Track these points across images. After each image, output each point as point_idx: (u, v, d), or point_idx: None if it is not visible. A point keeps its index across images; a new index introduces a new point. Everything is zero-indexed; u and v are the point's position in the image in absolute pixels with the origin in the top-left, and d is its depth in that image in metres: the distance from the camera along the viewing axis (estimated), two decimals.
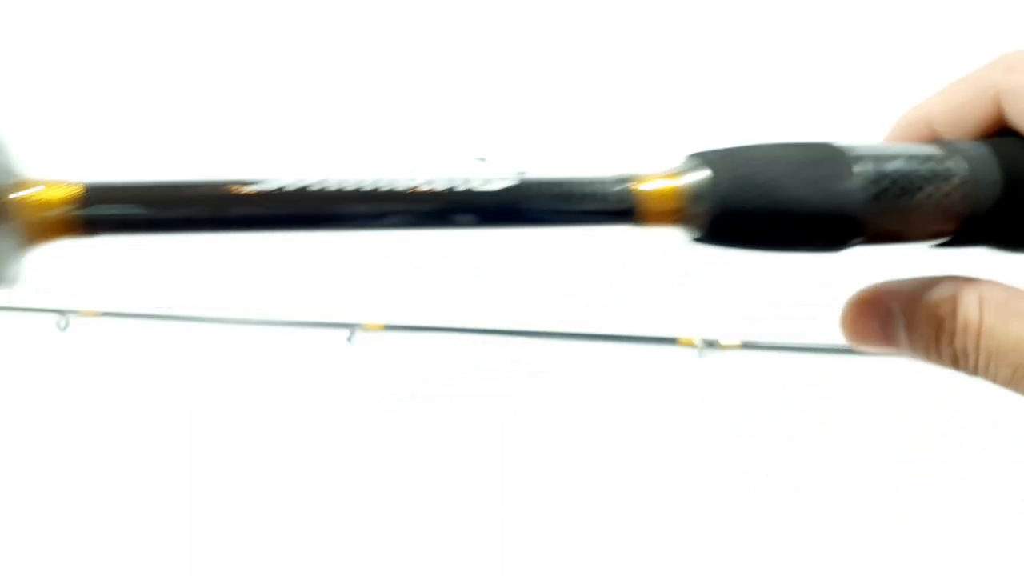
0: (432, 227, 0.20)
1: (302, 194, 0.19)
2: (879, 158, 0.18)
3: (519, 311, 0.55)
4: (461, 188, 0.19)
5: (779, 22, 0.61)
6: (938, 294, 0.21)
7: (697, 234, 0.19)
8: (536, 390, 0.56)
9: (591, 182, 0.20)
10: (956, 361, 0.21)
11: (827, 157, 0.19)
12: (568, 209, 0.20)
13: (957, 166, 0.18)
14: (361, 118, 0.64)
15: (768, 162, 0.19)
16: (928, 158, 0.19)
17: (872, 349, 0.22)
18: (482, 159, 0.67)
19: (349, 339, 0.56)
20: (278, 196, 0.19)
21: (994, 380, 0.21)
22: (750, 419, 0.52)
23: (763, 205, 0.18)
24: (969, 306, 0.20)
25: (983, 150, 0.19)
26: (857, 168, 0.18)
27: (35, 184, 0.19)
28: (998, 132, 0.20)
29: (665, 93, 0.63)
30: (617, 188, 0.19)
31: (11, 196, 0.19)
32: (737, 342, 0.54)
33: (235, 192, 0.19)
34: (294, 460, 0.55)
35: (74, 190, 0.19)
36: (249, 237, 0.20)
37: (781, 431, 0.51)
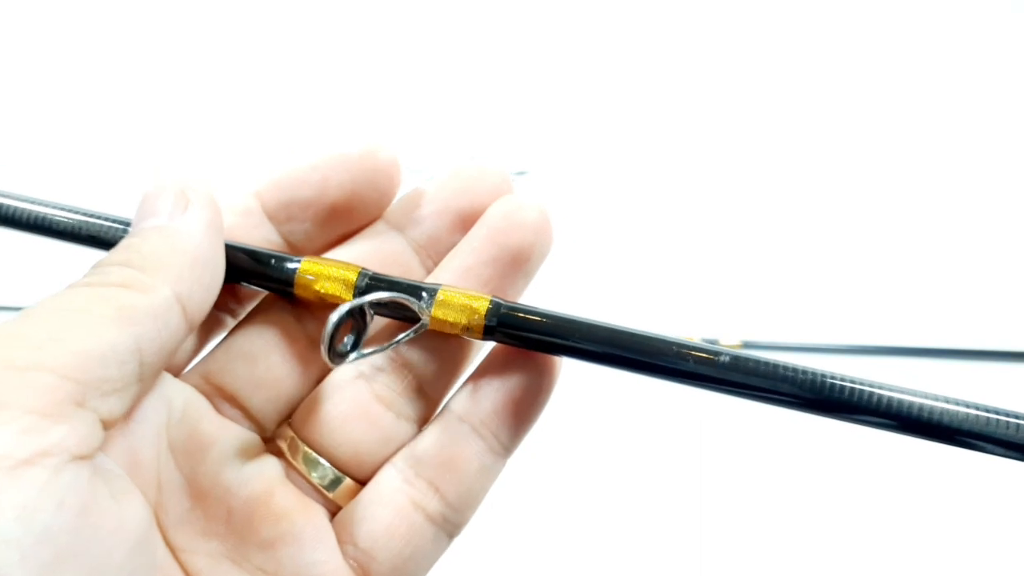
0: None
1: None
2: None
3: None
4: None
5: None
6: None
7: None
8: None
9: None
10: None
11: None
12: None
13: None
14: (358, 116, 0.63)
15: None
16: None
17: None
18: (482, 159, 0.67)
19: None
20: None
21: None
22: (750, 419, 0.52)
23: None
24: None
25: None
26: None
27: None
28: None
29: (667, 91, 0.63)
30: None
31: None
32: (737, 342, 0.54)
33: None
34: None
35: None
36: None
37: (781, 431, 0.51)
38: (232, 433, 0.20)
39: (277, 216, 0.22)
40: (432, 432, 0.21)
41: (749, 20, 0.63)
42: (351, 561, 0.20)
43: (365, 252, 0.22)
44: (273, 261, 0.21)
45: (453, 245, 0.22)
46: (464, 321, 0.20)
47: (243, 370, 0.21)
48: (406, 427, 0.21)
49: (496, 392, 0.21)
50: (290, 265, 0.21)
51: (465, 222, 0.22)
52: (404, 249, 0.22)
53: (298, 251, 0.22)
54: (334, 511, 0.21)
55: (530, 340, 0.20)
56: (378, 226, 0.22)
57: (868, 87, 0.59)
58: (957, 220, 0.55)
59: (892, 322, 0.52)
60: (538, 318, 0.20)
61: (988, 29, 0.60)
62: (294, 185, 0.21)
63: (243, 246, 0.21)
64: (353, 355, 0.20)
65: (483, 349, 0.22)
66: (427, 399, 0.22)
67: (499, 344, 0.21)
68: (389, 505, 0.20)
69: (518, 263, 0.21)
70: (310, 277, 0.20)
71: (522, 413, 0.21)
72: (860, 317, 0.53)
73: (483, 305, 0.20)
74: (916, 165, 0.57)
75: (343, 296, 0.20)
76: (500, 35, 0.65)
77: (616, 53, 0.64)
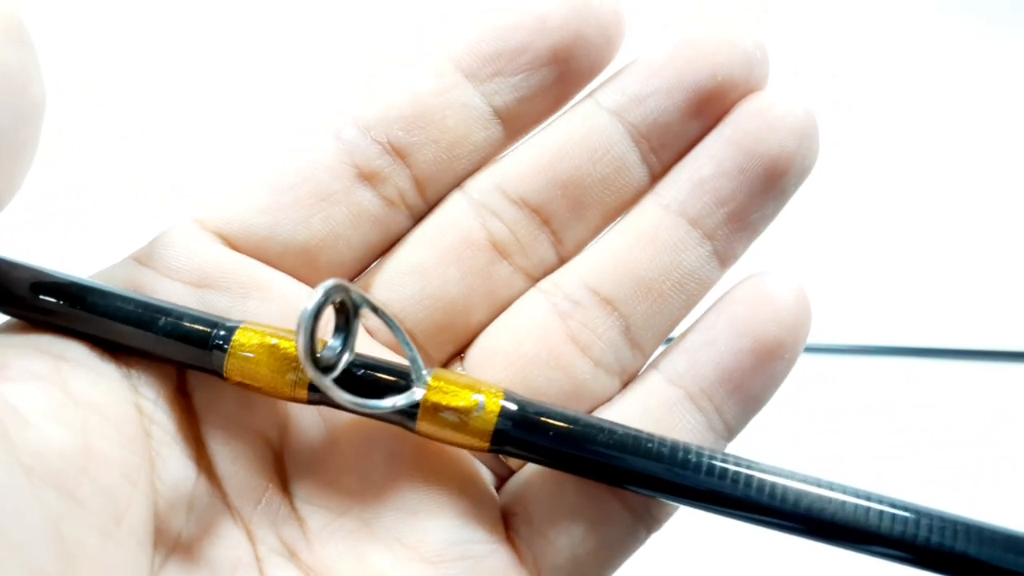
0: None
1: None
2: None
3: None
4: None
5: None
6: None
7: None
8: None
9: None
10: None
11: None
12: None
13: None
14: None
15: None
16: None
17: None
18: None
19: None
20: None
21: None
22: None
23: None
24: None
25: None
26: None
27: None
28: None
29: None
30: None
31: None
32: None
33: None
34: None
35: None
36: None
37: (781, 432, 0.51)
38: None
39: (480, 73, 0.16)
40: (635, 395, 0.17)
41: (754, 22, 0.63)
42: (519, 545, 0.16)
43: (568, 139, 0.17)
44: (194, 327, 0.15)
45: (685, 136, 0.17)
46: (459, 438, 0.15)
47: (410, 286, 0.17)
48: (605, 381, 0.17)
49: (722, 352, 0.16)
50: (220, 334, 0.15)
51: (703, 105, 0.16)
52: (620, 138, 0.17)
53: (508, 120, 0.17)
54: (504, 477, 0.17)
55: (562, 458, 0.15)
56: (585, 104, 0.17)
57: (866, 88, 0.59)
58: (957, 220, 0.55)
59: (892, 322, 0.52)
60: (569, 425, 0.14)
61: (982, 38, 0.60)
62: (503, 30, 0.16)
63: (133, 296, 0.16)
64: (344, 361, 0.15)
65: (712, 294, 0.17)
66: (637, 347, 0.17)
67: (734, 293, 0.16)
68: (578, 479, 0.15)
69: (771, 179, 0.16)
70: (248, 355, 0.15)
71: (753, 385, 0.17)
72: (860, 317, 0.53)
73: (493, 405, 0.14)
74: (916, 163, 0.57)
75: (283, 392, 0.15)
76: None
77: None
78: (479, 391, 0.15)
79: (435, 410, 0.14)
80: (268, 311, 0.16)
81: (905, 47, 0.60)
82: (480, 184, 0.17)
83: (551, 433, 0.14)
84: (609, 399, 0.17)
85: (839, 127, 0.61)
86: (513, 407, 0.15)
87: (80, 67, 0.57)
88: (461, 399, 0.14)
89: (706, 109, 0.16)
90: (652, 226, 0.16)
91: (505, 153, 0.18)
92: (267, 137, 0.59)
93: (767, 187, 0.16)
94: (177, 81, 0.57)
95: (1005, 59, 0.59)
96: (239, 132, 0.58)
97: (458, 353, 0.17)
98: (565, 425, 0.14)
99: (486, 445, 0.15)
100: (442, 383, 0.15)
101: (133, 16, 0.59)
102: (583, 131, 0.17)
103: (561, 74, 0.16)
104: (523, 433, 0.14)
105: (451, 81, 0.16)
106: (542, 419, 0.15)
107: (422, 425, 0.15)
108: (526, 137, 0.18)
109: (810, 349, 0.57)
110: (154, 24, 0.59)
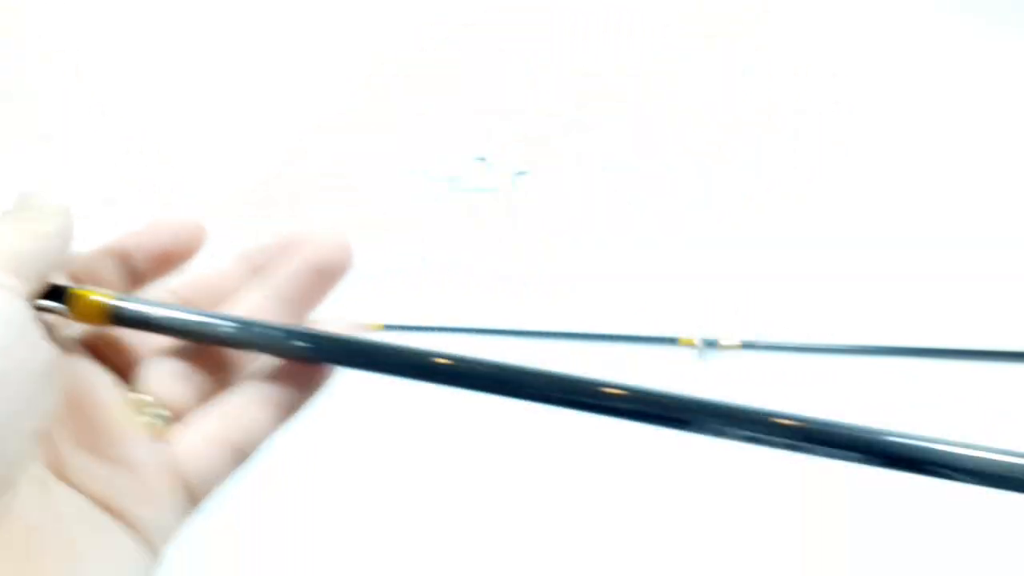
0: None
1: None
2: None
3: (507, 310, 0.55)
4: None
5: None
6: None
7: None
8: None
9: None
10: None
11: None
12: None
13: None
14: (361, 116, 0.63)
15: None
16: None
17: None
18: (482, 159, 0.67)
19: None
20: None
21: None
22: None
23: None
24: None
25: None
26: None
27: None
28: None
29: (662, 92, 0.63)
30: None
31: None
32: (737, 342, 0.54)
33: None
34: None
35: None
36: None
37: None
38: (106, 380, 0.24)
39: (113, 257, 0.26)
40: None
41: (741, 32, 0.63)
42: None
43: (199, 277, 0.27)
44: None
45: (273, 262, 0.27)
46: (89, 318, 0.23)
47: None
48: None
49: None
50: None
51: (287, 253, 0.27)
52: (236, 272, 0.28)
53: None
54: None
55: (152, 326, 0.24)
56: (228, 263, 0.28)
57: (866, 88, 0.59)
58: (957, 219, 0.55)
59: (892, 322, 0.52)
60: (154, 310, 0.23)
61: (982, 38, 0.60)
62: (128, 240, 0.26)
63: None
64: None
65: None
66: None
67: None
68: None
69: (324, 276, 0.27)
70: None
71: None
72: (860, 317, 0.53)
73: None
74: (916, 163, 0.57)
75: None
76: (503, 35, 0.65)
77: (616, 58, 0.64)
78: (99, 292, 0.23)
79: (77, 302, 0.23)
80: None
81: (905, 47, 0.60)
82: None
83: (150, 311, 0.23)
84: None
85: (839, 127, 0.62)
86: (116, 301, 0.23)
87: (79, 67, 0.57)
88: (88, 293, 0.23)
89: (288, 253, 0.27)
90: (257, 306, 0.27)
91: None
92: (265, 137, 0.59)
93: (322, 280, 0.27)
94: (178, 82, 0.57)
95: (1005, 59, 0.59)
96: (238, 133, 0.58)
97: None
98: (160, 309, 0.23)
99: (106, 321, 0.23)
100: (80, 291, 0.23)
101: (133, 16, 0.59)
102: (212, 273, 0.27)
103: (163, 263, 0.27)
104: (127, 312, 0.23)
105: (103, 261, 0.26)
106: (140, 303, 0.23)
107: (72, 314, 0.23)
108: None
109: (810, 349, 0.58)
110: (155, 25, 0.59)
